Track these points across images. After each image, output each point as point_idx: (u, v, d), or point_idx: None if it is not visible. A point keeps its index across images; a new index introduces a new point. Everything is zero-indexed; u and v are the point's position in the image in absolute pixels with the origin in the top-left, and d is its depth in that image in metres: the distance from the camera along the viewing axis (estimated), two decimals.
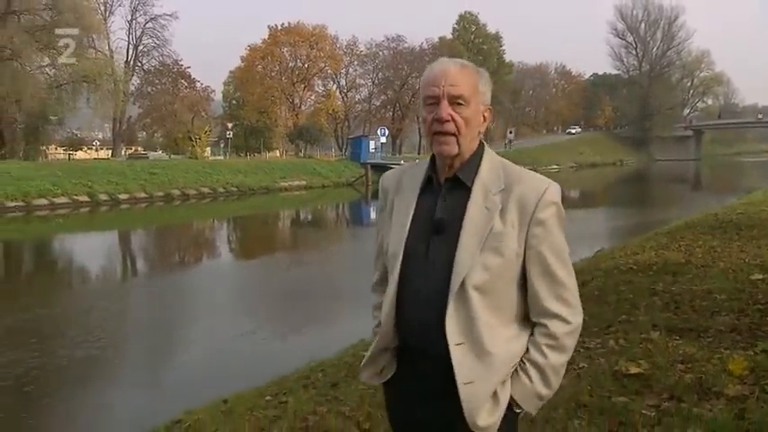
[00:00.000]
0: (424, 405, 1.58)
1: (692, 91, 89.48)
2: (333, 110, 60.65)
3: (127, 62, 49.83)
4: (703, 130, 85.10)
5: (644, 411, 3.17)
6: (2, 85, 33.00)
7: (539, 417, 2.67)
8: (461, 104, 1.54)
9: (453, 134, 1.53)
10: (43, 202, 27.34)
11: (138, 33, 51.08)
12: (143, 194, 31.27)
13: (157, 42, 51.55)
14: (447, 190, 1.58)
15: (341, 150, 58.61)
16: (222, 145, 52.72)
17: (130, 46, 50.89)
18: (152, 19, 50.92)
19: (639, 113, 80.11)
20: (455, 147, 1.54)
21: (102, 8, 47.60)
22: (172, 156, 47.51)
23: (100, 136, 62.71)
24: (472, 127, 1.56)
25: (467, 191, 1.55)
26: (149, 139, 59.95)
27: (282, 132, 59.12)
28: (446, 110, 1.52)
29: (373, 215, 29.78)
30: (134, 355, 8.02)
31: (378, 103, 64.71)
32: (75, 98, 40.46)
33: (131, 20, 50.59)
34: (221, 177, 36.26)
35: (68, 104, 40.40)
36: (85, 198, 28.89)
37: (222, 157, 47.90)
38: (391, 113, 62.94)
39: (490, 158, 1.59)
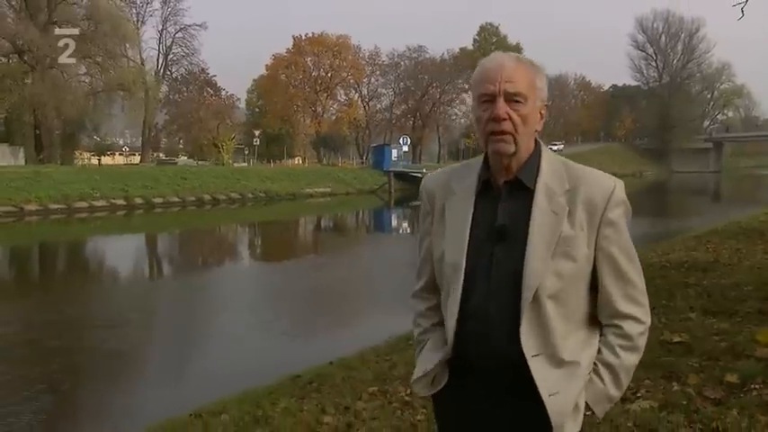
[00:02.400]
0: (489, 415, 1.49)
1: (712, 103, 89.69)
2: (354, 118, 61.83)
3: (157, 71, 51.37)
4: (723, 142, 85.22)
5: (689, 364, 3.95)
6: (43, 92, 34.46)
7: None
8: (519, 102, 1.44)
9: (511, 133, 1.44)
10: (83, 204, 28.52)
11: (169, 43, 52.78)
12: (176, 198, 32.37)
13: (186, 51, 53.28)
14: (507, 193, 1.48)
15: (361, 158, 59.71)
16: (246, 152, 53.89)
17: (160, 55, 52.54)
18: (182, 29, 52.62)
19: (659, 125, 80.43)
20: (512, 146, 1.45)
21: (135, 18, 49.22)
22: (198, 162, 48.80)
23: (120, 142, 64.40)
24: (530, 125, 1.46)
25: (529, 194, 1.46)
26: (173, 145, 61.44)
27: (304, 140, 60.30)
28: (503, 108, 1.43)
29: (395, 221, 30.74)
30: (213, 340, 8.88)
31: (398, 113, 65.83)
32: (110, 106, 42.07)
33: (162, 30, 52.31)
34: (249, 183, 37.32)
35: (103, 112, 41.93)
36: (122, 201, 30.05)
37: (246, 164, 49.06)
38: (411, 122, 63.97)
39: (549, 158, 1.50)
